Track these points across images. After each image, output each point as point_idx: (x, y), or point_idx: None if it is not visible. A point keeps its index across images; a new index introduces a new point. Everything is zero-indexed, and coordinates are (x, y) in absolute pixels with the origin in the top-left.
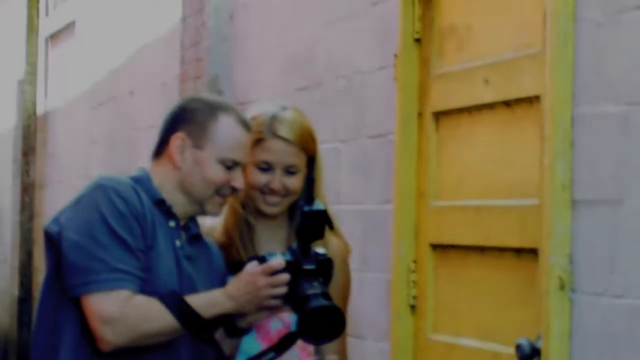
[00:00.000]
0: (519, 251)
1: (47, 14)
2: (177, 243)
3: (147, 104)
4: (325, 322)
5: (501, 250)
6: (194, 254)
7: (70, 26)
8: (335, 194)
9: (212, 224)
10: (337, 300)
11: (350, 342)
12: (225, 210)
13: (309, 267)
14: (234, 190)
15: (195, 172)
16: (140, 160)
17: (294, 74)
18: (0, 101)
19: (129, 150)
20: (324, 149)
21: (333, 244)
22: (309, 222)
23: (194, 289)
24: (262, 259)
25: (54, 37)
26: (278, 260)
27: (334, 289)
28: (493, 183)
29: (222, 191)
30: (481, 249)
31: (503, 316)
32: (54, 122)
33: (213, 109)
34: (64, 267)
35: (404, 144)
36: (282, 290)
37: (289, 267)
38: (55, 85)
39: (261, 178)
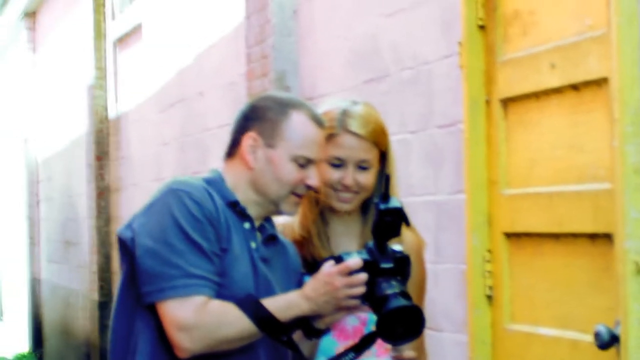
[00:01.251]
0: (593, 237)
1: (113, 17)
2: (253, 245)
3: (216, 103)
4: (405, 321)
5: (575, 236)
6: (269, 255)
7: (137, 29)
8: (407, 186)
9: (285, 220)
10: (413, 295)
11: (428, 334)
12: (303, 206)
13: (386, 265)
14: (309, 188)
15: (268, 172)
16: (211, 160)
17: (360, 67)
18: (73, 107)
19: (200, 151)
20: (393, 141)
21: (408, 239)
22: (386, 220)
23: (270, 291)
24: (338, 259)
25: (121, 40)
26: (355, 260)
27: (410, 285)
28: (564, 168)
29: (297, 190)
30: (555, 236)
31: (580, 303)
32: (126, 126)
33: (284, 107)
34: (138, 274)
35: (472, 132)
36: (360, 290)
37: (366, 267)
38: (125, 88)
39: (334, 174)
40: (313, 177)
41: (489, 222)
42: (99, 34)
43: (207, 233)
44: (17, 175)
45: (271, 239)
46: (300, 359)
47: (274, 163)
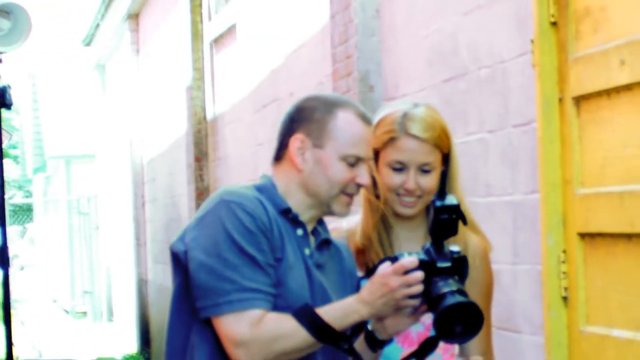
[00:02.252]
0: None
1: (209, 18)
2: (307, 251)
3: None
4: (462, 319)
5: None
6: (324, 260)
7: (231, 29)
8: (485, 186)
9: (349, 226)
10: (478, 298)
11: (506, 336)
12: (363, 212)
13: (443, 264)
14: (359, 187)
15: (318, 173)
16: None
17: (439, 65)
18: (174, 108)
19: None
20: (472, 140)
21: (472, 241)
22: (442, 218)
23: (327, 299)
24: (394, 260)
25: (217, 41)
26: (411, 259)
27: (474, 288)
28: (635, 167)
29: (348, 189)
30: (628, 237)
31: None
32: (222, 126)
33: (330, 106)
34: (193, 288)
35: (546, 131)
36: (418, 289)
37: (422, 266)
38: (221, 89)
39: (396, 179)
40: (363, 176)
41: (564, 222)
42: (196, 34)
43: (260, 244)
44: (124, 177)
45: (325, 243)
46: None
47: (323, 163)
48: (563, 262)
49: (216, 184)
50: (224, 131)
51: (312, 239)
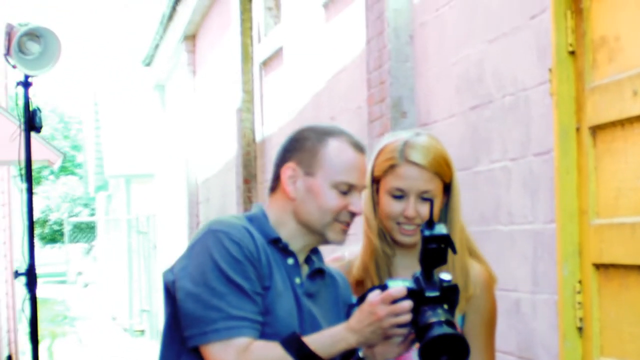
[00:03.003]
0: None
1: (259, 40)
2: (297, 281)
3: (345, 128)
4: (448, 350)
5: None
6: (315, 289)
7: (279, 52)
8: (508, 214)
9: (351, 257)
10: (481, 327)
11: None
12: (363, 241)
13: (432, 294)
14: (353, 215)
15: (309, 201)
16: None
17: (467, 92)
18: (226, 129)
19: None
20: (496, 168)
21: (475, 270)
22: (430, 247)
23: (316, 327)
24: (384, 288)
25: (266, 63)
26: (399, 288)
27: (477, 316)
28: None
29: (341, 218)
30: (634, 268)
31: None
32: (270, 148)
33: (322, 135)
34: (181, 317)
35: (563, 161)
36: (406, 318)
37: (411, 295)
38: (270, 111)
39: (396, 207)
40: (356, 204)
41: (580, 253)
42: (247, 56)
43: (247, 273)
44: (181, 196)
45: (318, 273)
46: None
47: (315, 191)
48: (579, 292)
49: None
50: (272, 153)
51: (305, 268)
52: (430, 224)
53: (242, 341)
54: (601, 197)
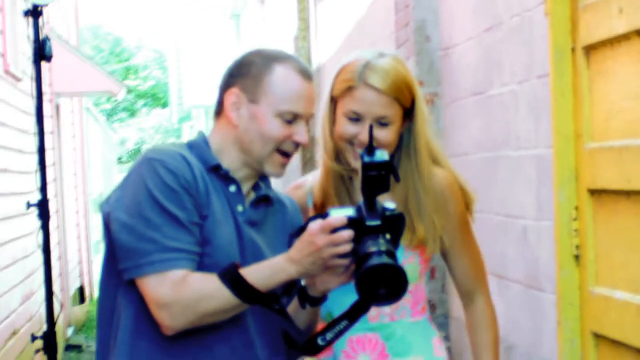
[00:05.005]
0: None
1: None
2: (239, 208)
3: None
4: (388, 282)
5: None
6: (260, 217)
7: None
8: (516, 139)
9: (313, 184)
10: (453, 231)
11: (530, 294)
12: (322, 166)
13: (373, 223)
14: (297, 145)
15: (252, 129)
16: None
17: (481, 14)
18: None
19: None
20: (505, 92)
21: (437, 176)
22: (370, 175)
23: (259, 256)
24: (325, 217)
25: None
26: (338, 217)
27: (447, 222)
28: (632, 121)
29: (284, 147)
30: (627, 194)
31: None
32: (325, 77)
33: (268, 61)
34: (116, 250)
35: (558, 82)
36: (345, 248)
37: (352, 224)
38: (323, 39)
39: (350, 129)
40: (300, 134)
41: (577, 178)
42: None
43: (183, 202)
44: None
45: (263, 200)
46: (293, 328)
47: (258, 119)
48: (575, 219)
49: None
50: (325, 82)
51: (252, 196)
52: (370, 150)
53: (178, 273)
54: (595, 119)
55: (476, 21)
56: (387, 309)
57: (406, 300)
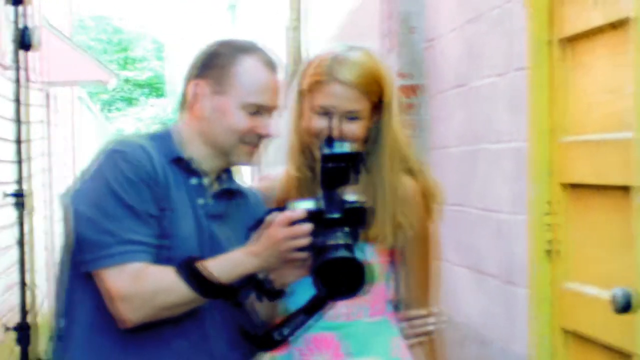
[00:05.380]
0: (626, 189)
1: None
2: (200, 201)
3: (374, 44)
4: (345, 275)
5: (613, 188)
6: (222, 210)
7: None
8: (495, 132)
9: (277, 176)
10: (413, 245)
11: (505, 288)
12: (288, 159)
13: (333, 216)
14: (260, 137)
15: (216, 121)
16: None
17: (464, 6)
18: (277, 50)
19: None
20: (486, 84)
21: (403, 185)
22: (329, 167)
23: (219, 250)
24: (284, 209)
25: None
26: (297, 210)
27: (406, 233)
28: (607, 115)
29: (248, 139)
30: (598, 188)
31: (618, 262)
32: None
33: (234, 52)
34: (75, 241)
35: (536, 75)
36: (304, 241)
37: (311, 217)
38: (315, 30)
39: (318, 123)
40: (265, 126)
41: (551, 172)
42: None
43: (142, 195)
44: None
45: (227, 193)
46: (250, 322)
47: (223, 111)
48: (548, 214)
49: None
50: None
51: (215, 188)
52: (330, 141)
53: (136, 266)
54: (571, 113)
55: (459, 13)
56: (344, 309)
57: (364, 300)
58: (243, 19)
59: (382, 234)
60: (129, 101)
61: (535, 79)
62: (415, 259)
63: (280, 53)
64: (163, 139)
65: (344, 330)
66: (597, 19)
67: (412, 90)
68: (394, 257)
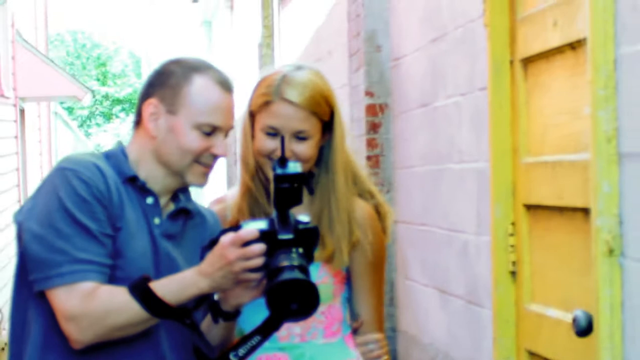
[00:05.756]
0: (584, 211)
1: None
2: (155, 221)
3: (340, 63)
4: (299, 298)
5: (574, 210)
6: (177, 230)
7: None
8: (458, 152)
9: (233, 199)
10: (365, 269)
11: (470, 309)
12: (239, 182)
13: (285, 236)
14: (215, 157)
15: (170, 141)
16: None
17: (427, 25)
18: (249, 65)
19: None
20: (449, 104)
21: (358, 207)
22: (282, 187)
23: (175, 269)
24: (237, 230)
25: None
26: (250, 230)
27: (361, 258)
28: (564, 136)
29: (202, 159)
30: (559, 210)
31: (577, 284)
32: None
33: (187, 71)
34: (27, 260)
35: (496, 95)
36: (257, 262)
37: (264, 237)
38: (287, 47)
39: (268, 144)
40: (219, 146)
41: (514, 193)
42: None
43: (95, 214)
44: None
45: (182, 212)
46: (204, 343)
47: (176, 131)
48: (511, 234)
49: None
50: None
51: (171, 208)
52: (282, 162)
53: (87, 286)
54: (531, 134)
55: (423, 32)
56: (297, 329)
57: (319, 322)
58: (218, 35)
59: (336, 254)
60: (108, 117)
61: (496, 99)
62: (369, 281)
63: (253, 69)
64: (117, 157)
65: (297, 351)
66: (556, 40)
67: (379, 109)
68: (349, 278)
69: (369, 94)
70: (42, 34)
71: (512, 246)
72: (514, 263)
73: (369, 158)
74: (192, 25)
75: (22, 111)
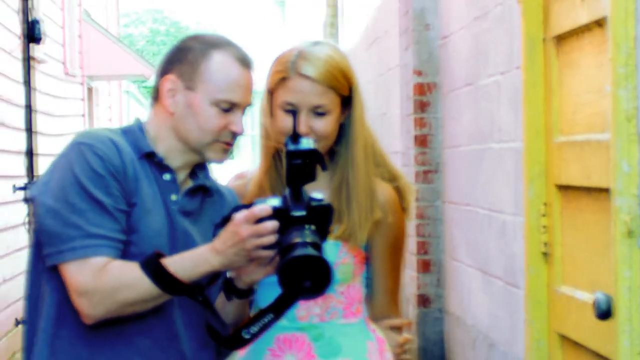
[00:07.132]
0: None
1: None
2: (173, 197)
3: (396, 42)
4: (311, 273)
5: (600, 190)
6: (194, 207)
7: None
8: (498, 131)
9: (250, 176)
10: (384, 252)
11: (508, 290)
12: (260, 158)
13: (298, 213)
14: (234, 135)
15: (188, 117)
16: (393, 98)
17: (471, 3)
18: None
19: (386, 89)
20: (489, 83)
21: (381, 192)
22: (295, 163)
23: (191, 246)
24: (250, 207)
25: None
26: (263, 207)
27: (381, 240)
28: (592, 115)
29: (221, 137)
30: (587, 190)
31: (605, 265)
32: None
33: (206, 47)
34: (41, 235)
35: (529, 74)
36: (270, 239)
37: (277, 215)
38: (349, 25)
39: (287, 121)
40: (237, 123)
41: (546, 173)
42: None
43: (110, 188)
44: None
45: (200, 190)
46: (218, 320)
47: (194, 108)
48: (544, 215)
49: None
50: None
51: (189, 185)
52: (294, 137)
53: (99, 260)
54: (563, 113)
55: (468, 9)
56: (317, 309)
57: (338, 302)
58: (291, 14)
59: (354, 231)
60: None
61: (530, 78)
62: (387, 264)
63: None
64: (134, 133)
65: (316, 332)
66: (584, 17)
67: (427, 87)
68: (369, 258)
69: (417, 72)
70: (113, 14)
71: (544, 227)
72: (545, 244)
73: (417, 137)
74: (266, 5)
75: (89, 90)
